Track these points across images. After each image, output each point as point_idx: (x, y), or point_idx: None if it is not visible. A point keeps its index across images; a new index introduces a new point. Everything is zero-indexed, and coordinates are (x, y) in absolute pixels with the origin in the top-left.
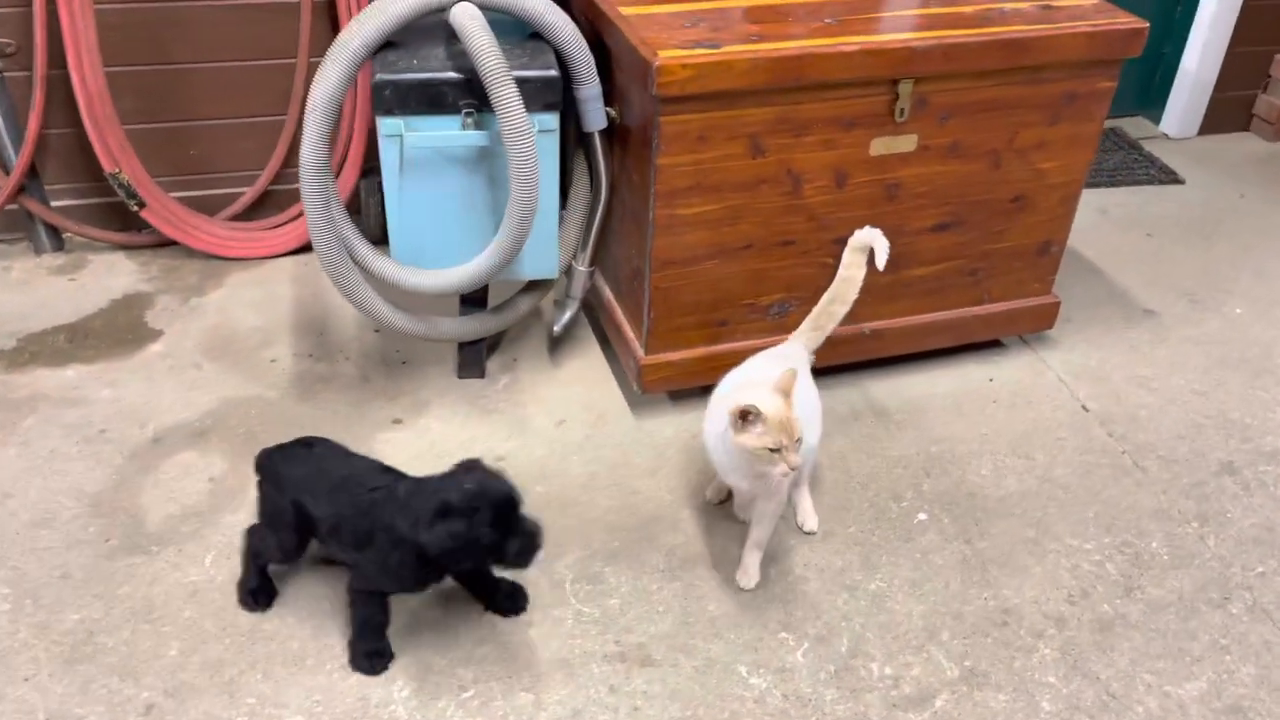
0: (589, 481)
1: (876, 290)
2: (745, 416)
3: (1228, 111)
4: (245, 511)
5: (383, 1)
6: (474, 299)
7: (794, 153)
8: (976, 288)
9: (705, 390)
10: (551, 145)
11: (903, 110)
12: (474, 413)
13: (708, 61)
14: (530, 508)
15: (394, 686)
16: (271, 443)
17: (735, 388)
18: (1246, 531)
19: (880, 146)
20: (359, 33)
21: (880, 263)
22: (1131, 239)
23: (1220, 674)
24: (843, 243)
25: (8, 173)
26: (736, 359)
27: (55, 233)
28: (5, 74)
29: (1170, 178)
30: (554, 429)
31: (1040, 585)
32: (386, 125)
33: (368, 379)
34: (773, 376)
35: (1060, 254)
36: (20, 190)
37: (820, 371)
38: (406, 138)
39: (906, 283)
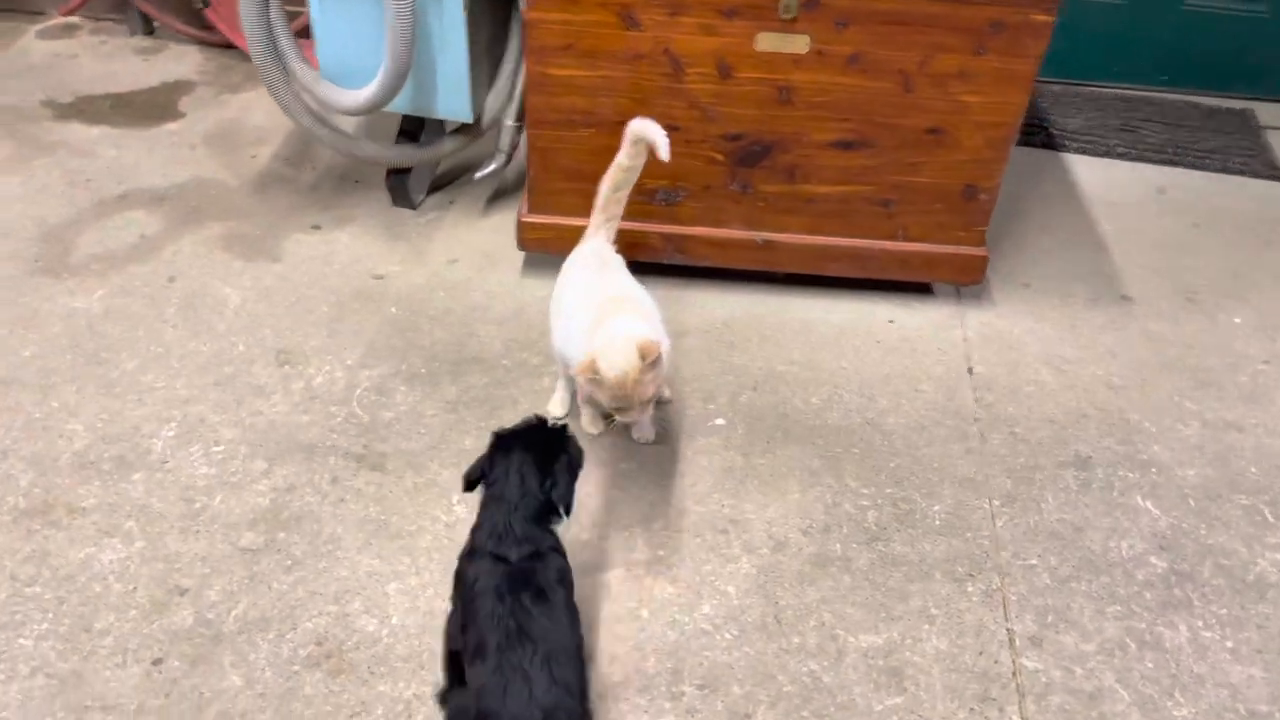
0: (440, 315)
1: (773, 199)
2: (587, 372)
3: None
4: (147, 264)
5: None
6: (408, 131)
7: (671, 31)
8: (890, 221)
9: None
10: None
11: (788, 6)
12: (384, 236)
13: None
14: (376, 322)
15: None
16: (208, 219)
17: (576, 309)
18: (1047, 524)
19: (767, 42)
20: None
21: (663, 155)
22: (1171, 224)
23: (905, 638)
24: (732, 138)
25: None
26: (622, 239)
27: (147, 20)
28: None
29: (1272, 173)
30: (444, 265)
31: (786, 510)
32: None
33: (316, 188)
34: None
35: (991, 203)
36: None
37: (712, 273)
38: None
39: (807, 198)
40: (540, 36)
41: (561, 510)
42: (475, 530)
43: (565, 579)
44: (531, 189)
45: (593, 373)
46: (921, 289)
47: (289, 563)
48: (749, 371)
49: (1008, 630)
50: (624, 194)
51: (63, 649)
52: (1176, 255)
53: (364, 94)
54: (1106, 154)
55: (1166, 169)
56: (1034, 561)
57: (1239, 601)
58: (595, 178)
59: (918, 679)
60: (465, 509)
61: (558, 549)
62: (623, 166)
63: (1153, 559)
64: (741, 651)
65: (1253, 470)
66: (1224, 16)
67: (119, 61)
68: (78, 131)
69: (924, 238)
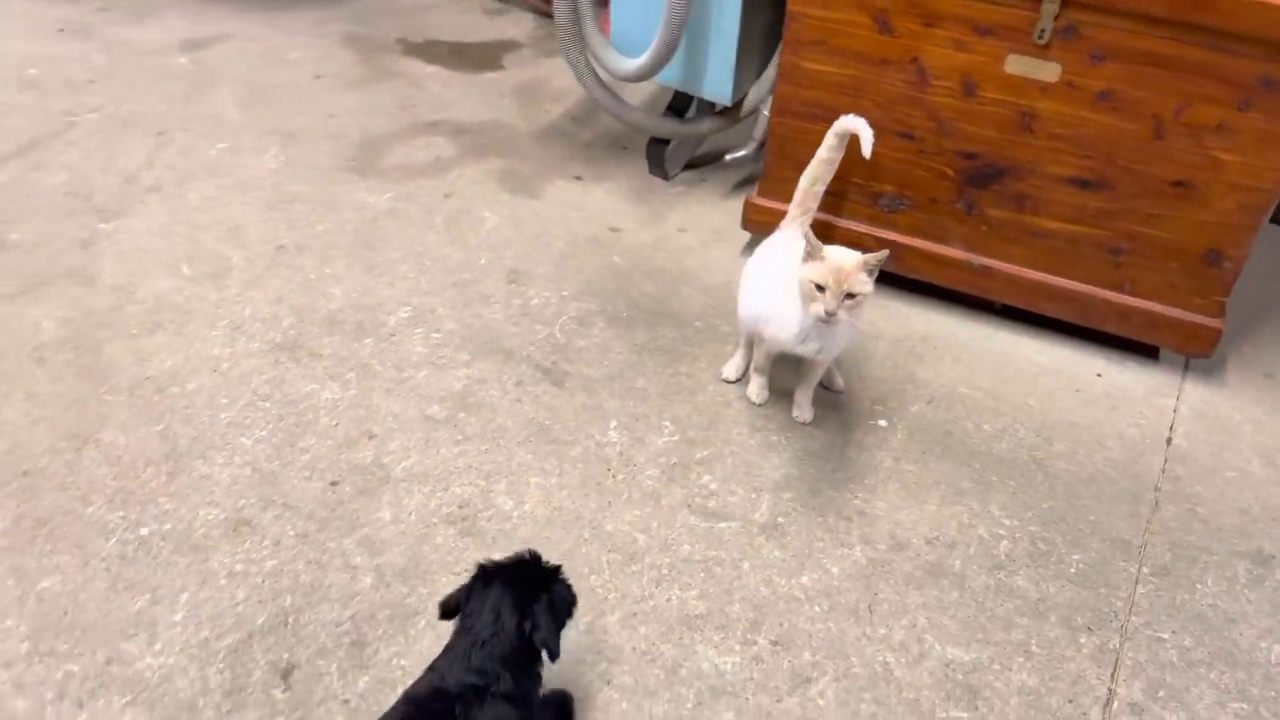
0: (655, 271)
1: (998, 225)
2: (812, 253)
3: None
4: (433, 180)
5: None
6: (676, 108)
7: (922, 42)
8: (1117, 271)
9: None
10: None
11: (1043, 32)
12: (631, 197)
13: None
14: (598, 266)
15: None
16: (492, 154)
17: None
18: (1196, 606)
19: (1016, 65)
20: None
21: (866, 150)
22: None
23: (995, 663)
24: (966, 156)
25: None
26: (838, 237)
27: None
28: None
29: None
30: (673, 231)
31: (917, 518)
32: None
33: (589, 146)
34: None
35: (1234, 272)
36: None
37: (921, 285)
38: None
39: (1033, 230)
40: (798, 29)
41: (545, 654)
42: (435, 660)
43: None
44: (765, 173)
45: (820, 255)
46: (1145, 350)
47: (459, 437)
48: (929, 386)
49: (1109, 690)
50: (820, 189)
51: (270, 454)
52: None
53: (636, 62)
54: None
55: None
56: (1165, 636)
57: None
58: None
59: (992, 703)
60: (620, 434)
61: (515, 697)
62: (822, 159)
63: None
64: (824, 625)
65: None
66: None
67: (467, 17)
68: (417, 67)
69: (1152, 296)
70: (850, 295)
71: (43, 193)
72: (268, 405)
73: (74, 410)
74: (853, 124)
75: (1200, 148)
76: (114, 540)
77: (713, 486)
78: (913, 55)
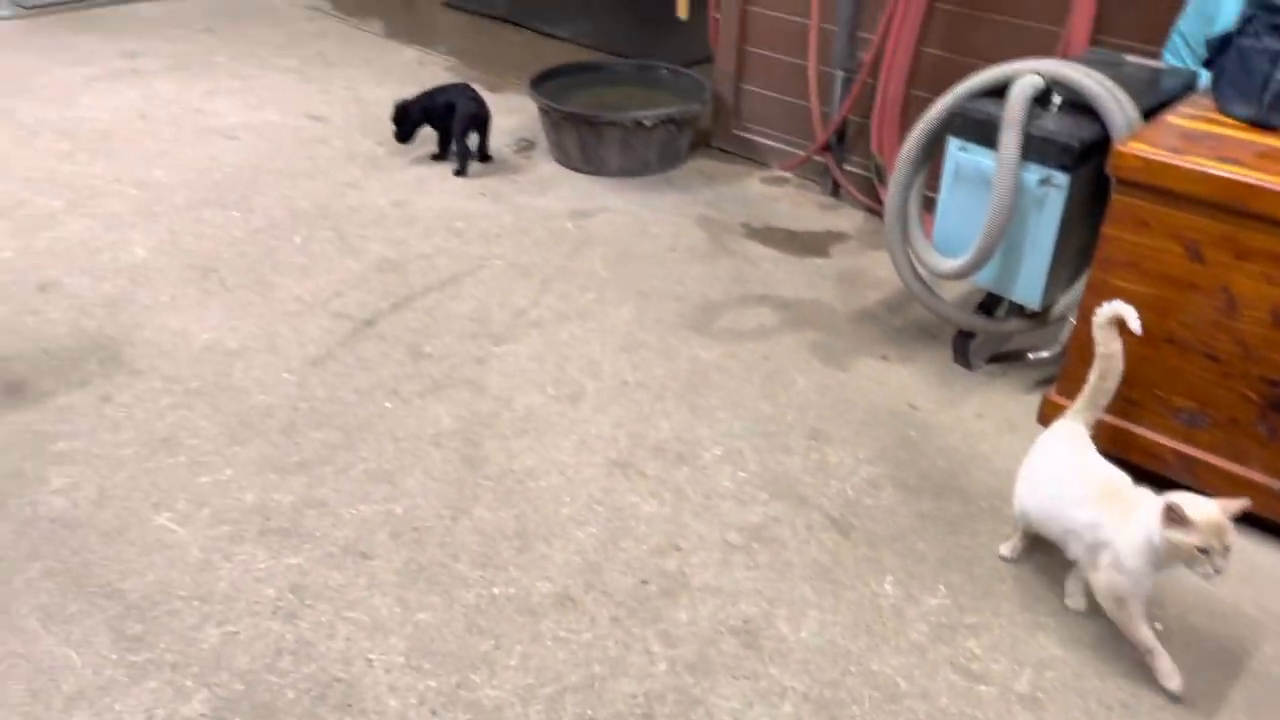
0: (947, 450)
1: None
2: (1172, 515)
3: None
4: (757, 344)
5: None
6: (986, 305)
7: (1232, 273)
8: None
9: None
10: (1056, 196)
11: None
12: (934, 380)
13: (1160, 161)
14: (894, 436)
15: None
16: (810, 328)
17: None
18: None
19: None
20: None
21: (1134, 327)
22: None
23: None
24: (1272, 383)
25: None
26: (1135, 444)
27: (836, 185)
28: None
29: None
30: (971, 416)
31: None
32: (952, 143)
33: (900, 331)
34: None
35: None
36: (826, 149)
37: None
38: (958, 155)
39: None
40: (1110, 250)
41: None
42: None
43: None
44: (1064, 374)
45: (1189, 520)
46: None
47: (751, 564)
48: (1212, 599)
49: None
50: (1110, 385)
51: (596, 547)
52: None
53: (956, 262)
54: None
55: None
56: None
57: None
58: (1128, 382)
59: None
60: (895, 588)
61: None
62: (1101, 354)
63: None
64: None
65: None
66: None
67: (805, 209)
68: (754, 248)
69: None
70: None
71: (454, 317)
72: (599, 508)
73: (455, 488)
74: (1114, 310)
75: None
76: (473, 592)
77: (977, 651)
78: (1222, 284)
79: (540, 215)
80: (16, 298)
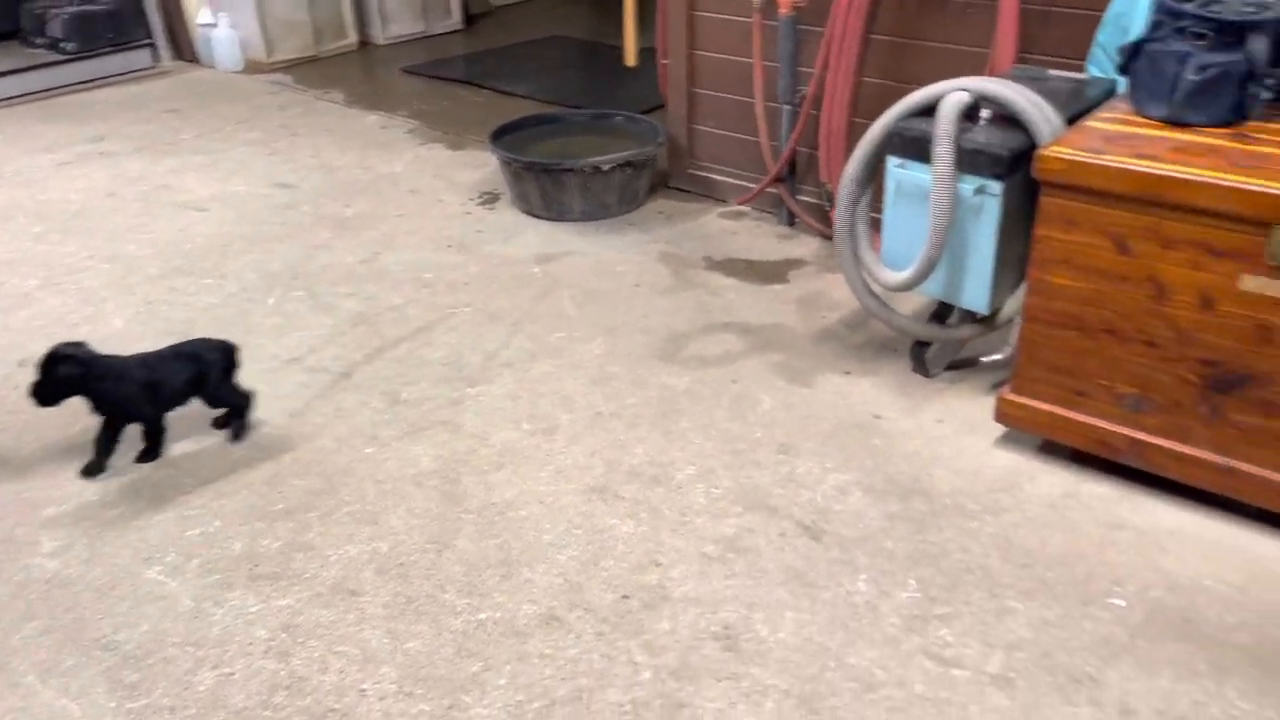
0: (910, 454)
1: (1245, 429)
2: None
3: None
4: (722, 369)
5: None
6: (939, 315)
7: (1159, 262)
8: None
9: (1052, 447)
10: (992, 203)
11: (1274, 255)
12: (895, 390)
13: (1080, 161)
14: (860, 445)
15: None
16: (773, 350)
17: None
18: None
19: (1252, 284)
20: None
21: None
22: None
23: None
24: (1207, 364)
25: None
26: (1085, 432)
27: (791, 215)
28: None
29: None
30: (931, 421)
31: (1149, 691)
32: (891, 162)
33: (860, 347)
34: None
35: None
36: (779, 180)
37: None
38: (896, 172)
39: (1277, 434)
40: (1044, 250)
41: None
42: None
43: None
44: (1017, 374)
45: None
46: None
47: (728, 573)
48: (1172, 574)
49: None
50: None
51: (578, 569)
52: None
53: (904, 275)
54: None
55: None
56: None
57: None
58: (1074, 373)
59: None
60: (868, 586)
61: None
62: None
63: None
64: None
65: None
66: None
67: (763, 240)
68: (716, 279)
69: None
70: None
71: (428, 364)
72: (579, 532)
73: (438, 523)
74: None
75: None
76: (460, 619)
77: (949, 639)
78: (1150, 273)
79: (507, 262)
80: None
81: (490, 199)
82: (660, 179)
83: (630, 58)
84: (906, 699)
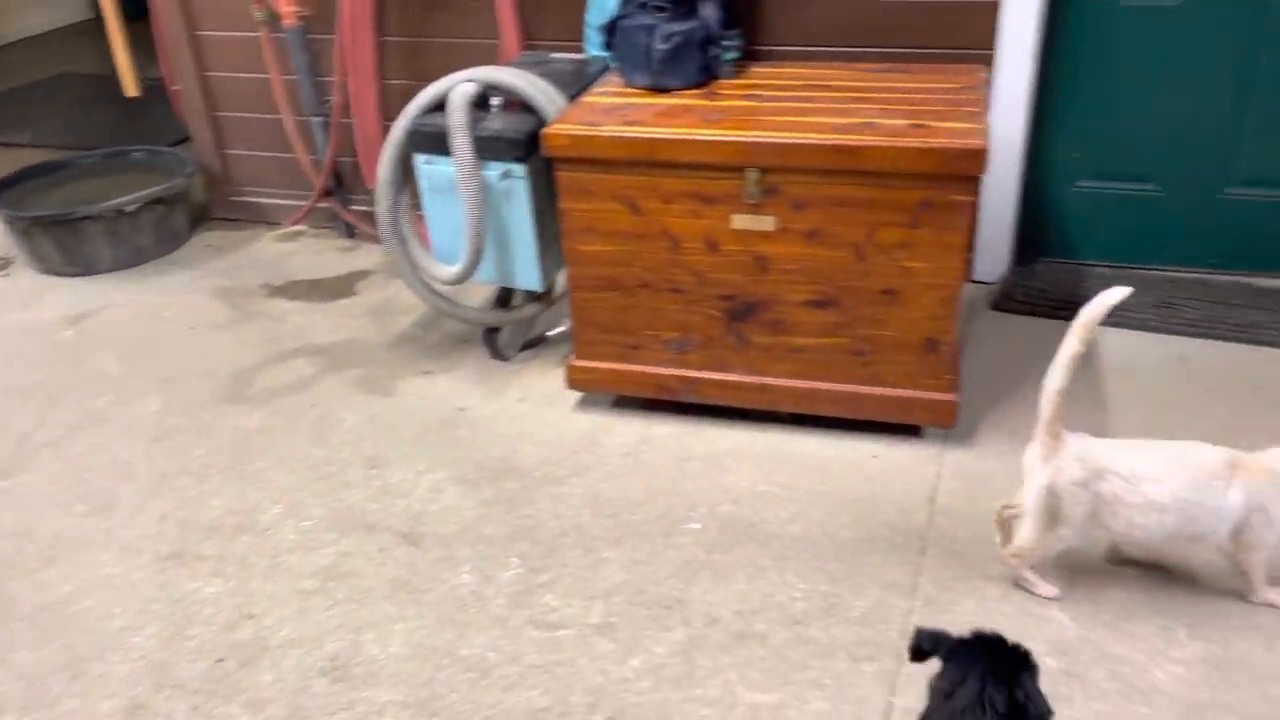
0: (496, 438)
1: (766, 348)
2: None
3: None
4: (298, 396)
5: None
6: (502, 299)
7: (666, 216)
8: (865, 369)
9: (624, 401)
10: (520, 186)
11: (752, 194)
12: (476, 379)
13: (582, 135)
14: (448, 441)
15: None
16: (350, 366)
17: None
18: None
19: (741, 222)
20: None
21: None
22: (1184, 389)
23: (794, 699)
24: (725, 298)
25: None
26: (645, 380)
27: (350, 227)
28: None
29: None
30: (513, 401)
31: (728, 596)
32: (418, 159)
33: (437, 345)
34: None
35: (951, 353)
36: (327, 194)
37: (726, 411)
38: (425, 169)
39: (793, 348)
40: (570, 221)
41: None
42: None
43: None
44: (576, 339)
45: None
46: (910, 430)
47: (330, 603)
48: (734, 489)
49: (888, 702)
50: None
51: (159, 646)
52: (1175, 414)
53: (456, 268)
54: (1139, 327)
55: (1196, 340)
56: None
57: (1122, 702)
58: (624, 330)
59: None
60: (472, 575)
61: None
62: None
63: (1049, 660)
64: (651, 696)
65: (1180, 590)
66: (1270, 204)
67: (324, 256)
68: (279, 305)
69: (898, 384)
70: None
71: None
72: (157, 607)
73: None
74: (1105, 301)
75: (893, 262)
76: None
77: (554, 603)
78: (662, 227)
79: (30, 332)
80: None
81: (1, 266)
82: (202, 212)
83: (130, 88)
84: (521, 673)
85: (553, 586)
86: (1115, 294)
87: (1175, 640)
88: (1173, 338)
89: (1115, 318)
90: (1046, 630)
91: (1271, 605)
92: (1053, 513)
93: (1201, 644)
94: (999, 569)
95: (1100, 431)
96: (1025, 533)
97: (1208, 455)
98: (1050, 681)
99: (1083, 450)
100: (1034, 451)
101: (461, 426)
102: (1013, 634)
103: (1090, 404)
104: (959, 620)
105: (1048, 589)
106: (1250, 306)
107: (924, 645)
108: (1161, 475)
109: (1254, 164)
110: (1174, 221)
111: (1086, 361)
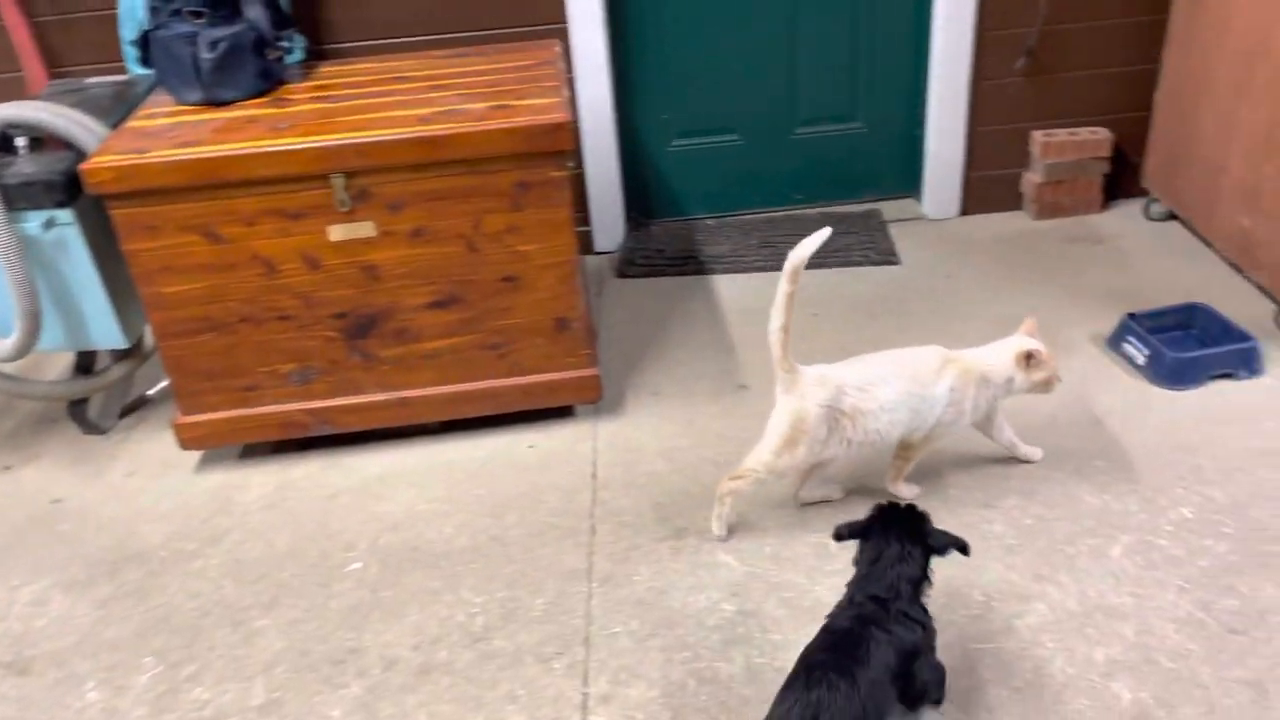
0: (107, 523)
1: (395, 360)
2: (1030, 359)
3: (995, 190)
4: None
5: None
6: (83, 365)
7: (252, 240)
8: (503, 361)
9: (252, 450)
10: (71, 233)
11: (343, 201)
12: (69, 463)
13: (129, 165)
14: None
15: None
16: None
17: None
18: (636, 594)
19: (338, 233)
20: None
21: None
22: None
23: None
24: (339, 316)
25: None
26: (271, 423)
27: None
28: None
29: (885, 259)
30: (121, 478)
31: (402, 632)
32: None
33: (14, 434)
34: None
35: (583, 329)
36: None
37: (366, 436)
38: None
39: (424, 354)
40: (140, 264)
41: (957, 550)
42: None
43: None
44: (178, 393)
45: (1035, 358)
46: (562, 412)
47: None
48: (391, 515)
49: (583, 694)
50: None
51: None
52: (793, 342)
53: (10, 341)
54: (747, 270)
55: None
56: (618, 629)
57: (794, 626)
58: (229, 374)
59: None
60: (100, 691)
61: (912, 616)
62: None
63: (725, 605)
64: None
65: (826, 511)
66: (830, 137)
67: None
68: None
69: (538, 369)
70: None
71: None
72: None
73: None
74: (805, 249)
75: (506, 248)
76: None
77: (205, 696)
78: (252, 253)
79: None
80: None
81: None
82: None
83: None
84: None
85: (200, 677)
86: (817, 237)
87: (828, 554)
88: (778, 274)
89: (726, 265)
90: (718, 576)
91: (899, 496)
92: (793, 438)
93: (851, 550)
94: (665, 529)
95: (733, 373)
96: (760, 454)
97: (924, 355)
98: (729, 625)
99: (819, 374)
100: (778, 387)
101: (60, 520)
102: (688, 586)
103: (718, 348)
104: (637, 591)
105: (721, 528)
106: (838, 233)
107: (844, 534)
108: (889, 377)
109: (811, 103)
110: (758, 166)
111: (711, 310)
